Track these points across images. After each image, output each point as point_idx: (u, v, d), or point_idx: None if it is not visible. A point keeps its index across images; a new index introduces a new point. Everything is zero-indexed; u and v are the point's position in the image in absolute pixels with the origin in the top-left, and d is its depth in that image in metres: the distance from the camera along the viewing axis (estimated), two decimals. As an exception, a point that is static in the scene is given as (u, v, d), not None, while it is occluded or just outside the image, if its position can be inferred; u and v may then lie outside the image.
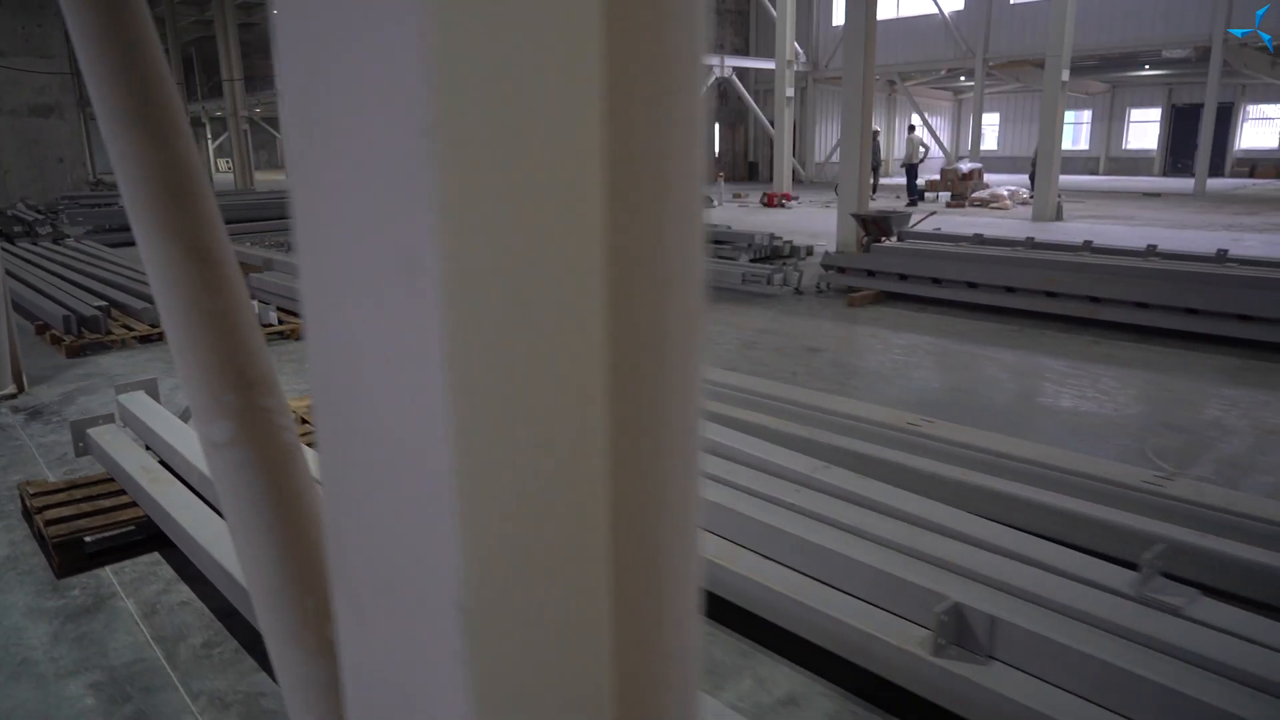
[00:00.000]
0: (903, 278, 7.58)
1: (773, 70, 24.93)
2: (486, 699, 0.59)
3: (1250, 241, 11.02)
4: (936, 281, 7.35)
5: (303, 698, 1.17)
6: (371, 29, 0.49)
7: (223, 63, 23.36)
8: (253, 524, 1.20)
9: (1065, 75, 13.66)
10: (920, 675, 2.01)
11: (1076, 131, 29.61)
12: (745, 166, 27.80)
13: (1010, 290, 6.89)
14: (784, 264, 8.68)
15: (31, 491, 3.18)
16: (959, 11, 22.82)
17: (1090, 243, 7.65)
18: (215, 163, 36.49)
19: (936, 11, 23.02)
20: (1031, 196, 18.07)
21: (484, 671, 0.58)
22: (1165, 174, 26.84)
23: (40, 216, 12.67)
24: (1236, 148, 25.93)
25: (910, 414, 3.51)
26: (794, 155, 26.44)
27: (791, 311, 7.14)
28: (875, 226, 9.46)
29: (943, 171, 19.11)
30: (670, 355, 0.65)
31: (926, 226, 10.11)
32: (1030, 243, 7.96)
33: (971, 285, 7.14)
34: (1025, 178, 18.64)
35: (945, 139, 30.08)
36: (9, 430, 4.39)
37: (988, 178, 20.73)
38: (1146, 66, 23.37)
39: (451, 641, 0.58)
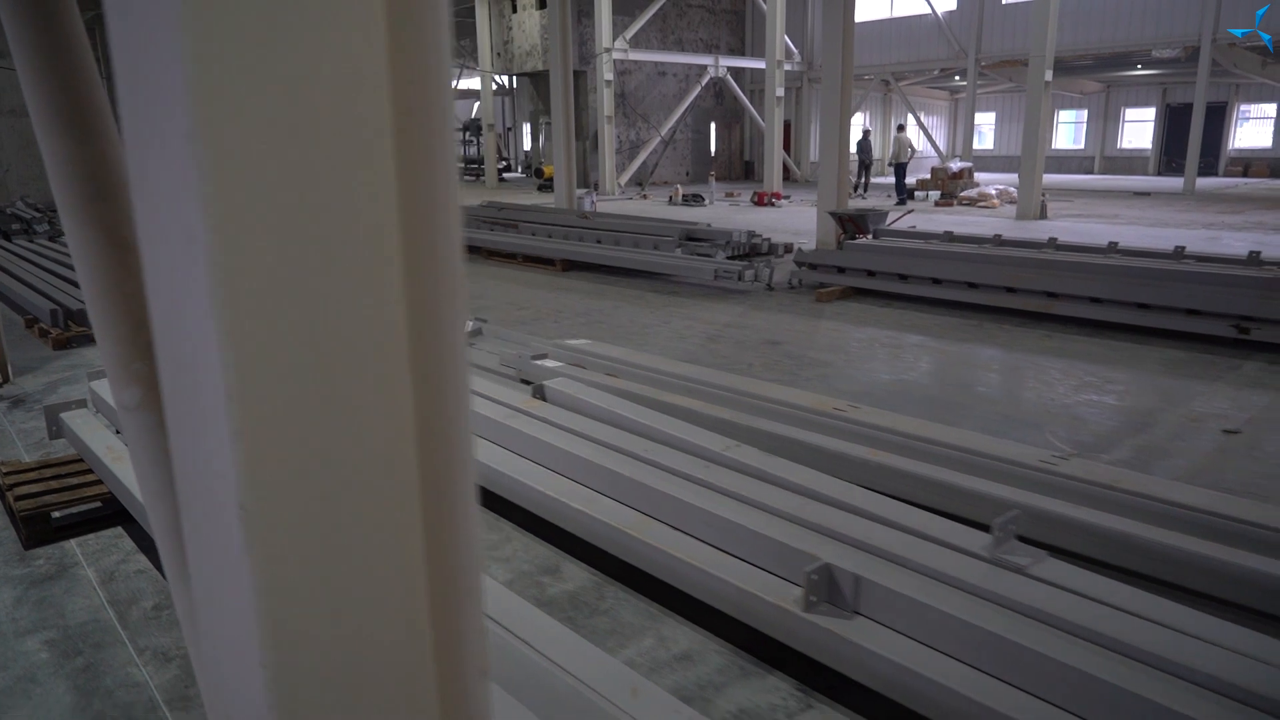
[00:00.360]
0: (870, 274, 7.76)
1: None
2: (266, 591, 0.79)
3: (1227, 239, 11.18)
4: (903, 278, 7.53)
5: (188, 630, 1.36)
6: (154, 43, 0.68)
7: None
8: (156, 482, 1.41)
9: (1048, 76, 13.81)
10: (794, 630, 2.21)
11: (1074, 131, 29.75)
12: (741, 165, 27.96)
13: (972, 286, 7.07)
14: (759, 261, 8.85)
15: (4, 470, 3.39)
16: (951, 11, 22.96)
17: (1055, 240, 7.82)
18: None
19: (929, 11, 23.16)
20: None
21: (264, 565, 0.78)
22: (1160, 173, 26.94)
23: (39, 214, 12.90)
24: (1231, 147, 26.02)
25: (839, 400, 3.70)
26: (788, 154, 26.63)
27: (760, 307, 7.33)
28: (851, 224, 9.64)
29: (933, 170, 19.25)
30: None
31: (903, 225, 10.28)
32: (997, 240, 8.14)
33: (936, 281, 7.32)
34: (1016, 176, 18.78)
35: (942, 138, 30.23)
36: (-9, 417, 4.60)
37: (980, 176, 20.88)
38: (1139, 66, 23.50)
39: (236, 537, 0.77)
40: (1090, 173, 28.38)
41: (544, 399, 3.70)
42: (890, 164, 18.88)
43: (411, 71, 0.73)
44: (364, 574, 0.78)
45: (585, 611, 2.68)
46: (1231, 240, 11.03)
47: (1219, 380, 5.04)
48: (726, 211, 16.49)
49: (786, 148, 27.03)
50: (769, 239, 9.93)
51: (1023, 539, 2.31)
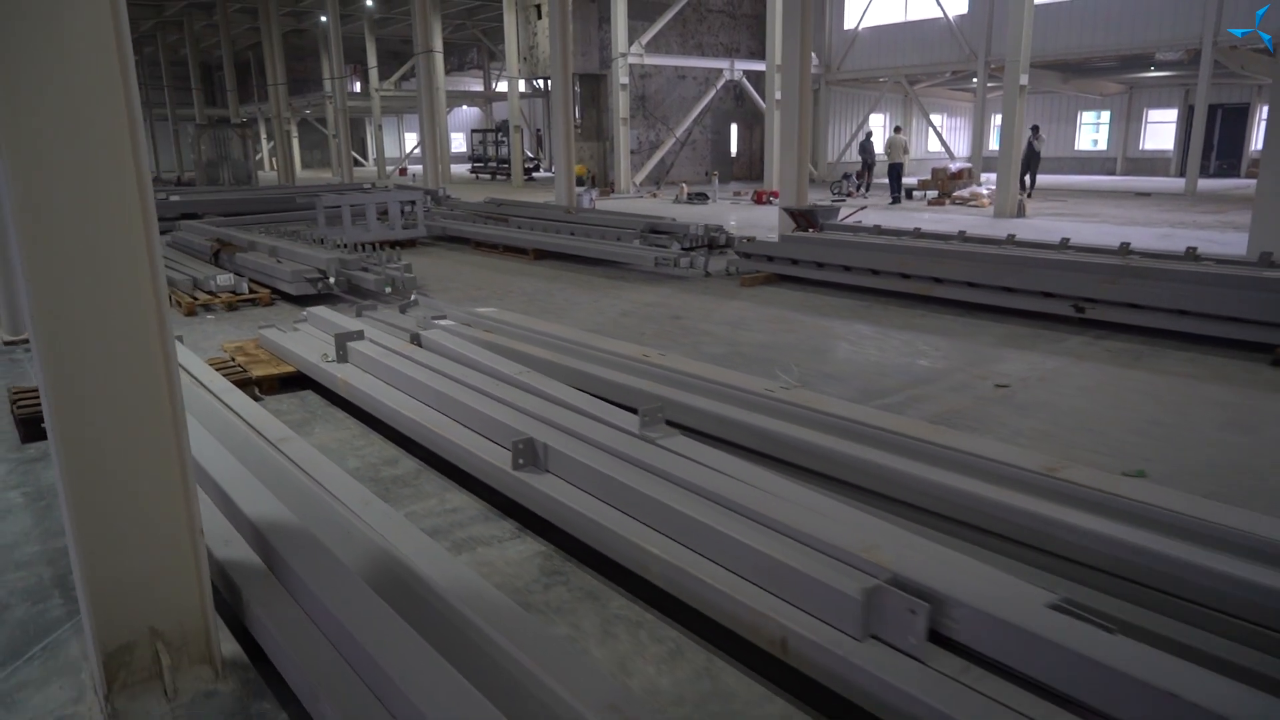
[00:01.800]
0: (794, 262, 8.64)
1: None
2: (59, 401, 1.84)
3: (1178, 236, 11.72)
4: (819, 265, 8.40)
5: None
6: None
7: (268, 68, 25.18)
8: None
9: (1024, 80, 14.41)
10: (506, 483, 3.19)
11: (1100, 133, 29.82)
12: (760, 166, 28.68)
13: (875, 273, 7.92)
14: (714, 252, 9.77)
15: (11, 391, 4.54)
16: (963, 15, 23.44)
17: (964, 233, 8.60)
18: (269, 160, 38.68)
19: (941, 15, 23.67)
20: (1024, 194, 18.74)
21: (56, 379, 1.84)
22: (1183, 174, 26.93)
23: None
24: (1253, 148, 25.94)
25: (654, 351, 4.65)
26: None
27: (686, 290, 8.27)
28: (803, 219, 10.51)
29: (933, 171, 19.85)
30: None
31: (859, 221, 11.09)
32: (916, 233, 8.94)
33: (846, 268, 8.17)
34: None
35: (966, 139, 30.58)
36: (19, 363, 5.79)
37: (989, 176, 21.35)
38: (1152, 68, 23.68)
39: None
40: (1112, 174, 28.49)
41: (419, 345, 4.73)
42: (888, 164, 19.50)
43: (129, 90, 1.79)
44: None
45: (400, 485, 3.70)
46: (1179, 237, 11.57)
47: (1033, 350, 5.85)
48: (723, 209, 17.38)
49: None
50: (727, 233, 10.81)
51: (673, 424, 3.26)
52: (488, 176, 31.27)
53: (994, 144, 28.75)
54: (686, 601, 2.49)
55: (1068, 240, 7.89)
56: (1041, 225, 13.22)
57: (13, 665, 2.44)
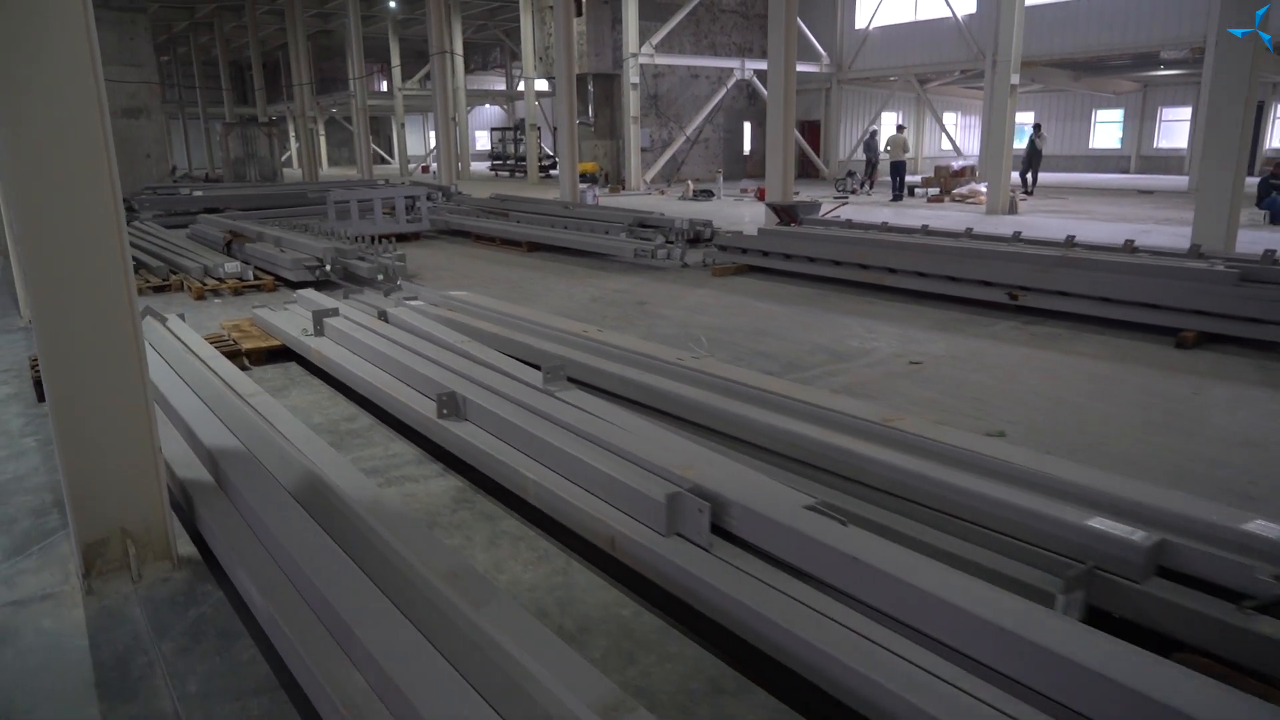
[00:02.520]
0: (765, 254, 9.14)
1: (809, 72, 26.29)
2: (50, 361, 2.46)
3: (1155, 232, 12.04)
4: (787, 257, 8.90)
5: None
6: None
7: (293, 69, 26.05)
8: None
9: (1014, 80, 14.75)
10: (431, 429, 3.77)
11: (1117, 130, 29.84)
12: (773, 163, 29.09)
13: (836, 264, 8.40)
14: (680, 244, 10.31)
15: (32, 358, 5.19)
16: (971, 15, 23.68)
17: (926, 226, 9.06)
18: (296, 158, 39.67)
19: (950, 15, 23.93)
20: (1025, 192, 19.03)
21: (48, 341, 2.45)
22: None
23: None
24: (1268, 146, 25.91)
25: (594, 328, 5.21)
26: (816, 153, 27.72)
27: (660, 279, 8.81)
28: (785, 214, 11.02)
29: (935, 169, 20.18)
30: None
31: (837, 216, 11.55)
32: (884, 227, 9.40)
33: (811, 260, 8.66)
34: (1016, 175, 19.52)
35: (978, 137, 30.73)
36: (42, 338, 6.48)
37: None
38: (1161, 66, 23.76)
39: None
40: (1126, 172, 28.53)
41: (386, 321, 5.33)
42: (889, 162, 19.86)
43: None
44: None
45: (354, 436, 4.29)
46: (1158, 233, 11.89)
47: (961, 333, 6.33)
48: (724, 205, 17.87)
49: (815, 146, 28.13)
50: (712, 227, 11.33)
51: (577, 381, 3.81)
52: (507, 174, 31.97)
53: (1019, 141, 28.89)
54: (553, 516, 3.05)
55: (1019, 234, 8.32)
56: (1028, 221, 13.58)
57: (15, 559, 3.06)
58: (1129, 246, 7.40)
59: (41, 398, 4.88)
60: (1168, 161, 28.06)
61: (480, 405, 3.63)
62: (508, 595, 2.27)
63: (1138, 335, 6.13)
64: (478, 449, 3.47)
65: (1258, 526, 2.34)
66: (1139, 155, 28.79)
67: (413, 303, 5.82)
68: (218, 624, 2.60)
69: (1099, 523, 2.44)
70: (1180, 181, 22.81)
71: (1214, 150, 8.29)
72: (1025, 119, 31.05)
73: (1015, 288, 6.93)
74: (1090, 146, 30.11)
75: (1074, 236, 7.84)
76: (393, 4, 29.40)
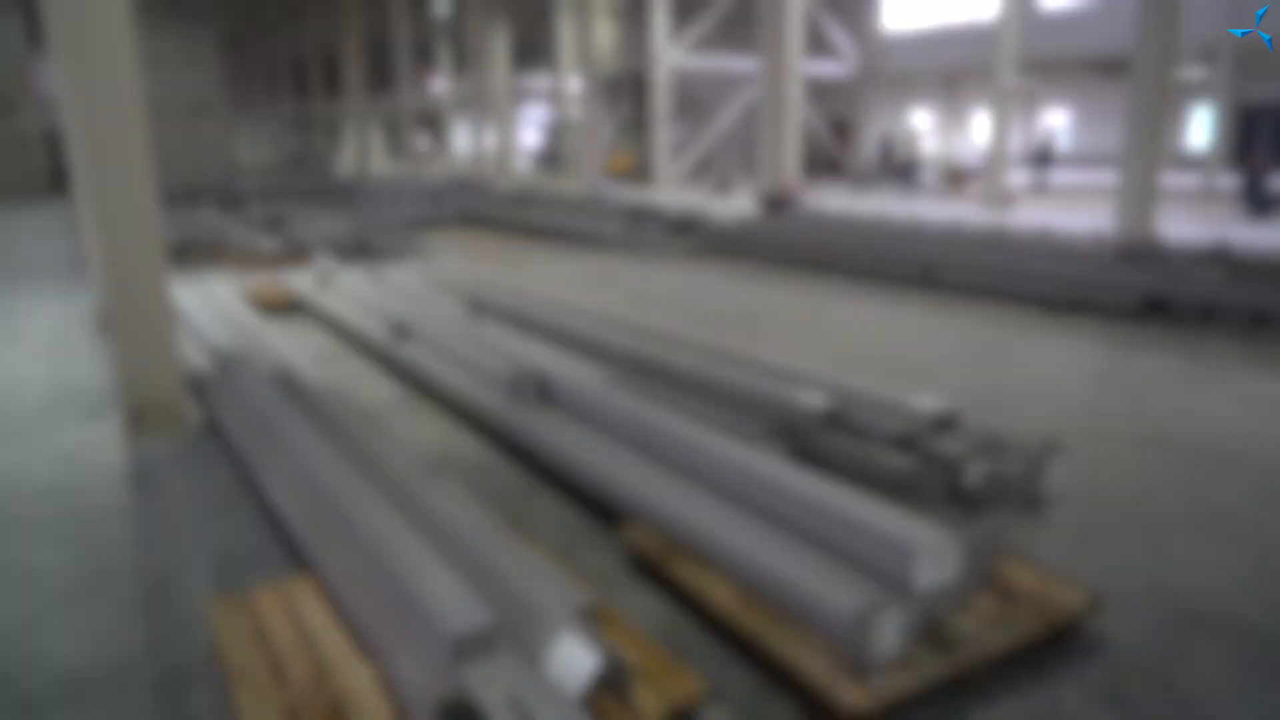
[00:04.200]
0: (737, 240, 10.23)
1: (837, 73, 27.12)
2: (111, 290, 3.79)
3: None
4: (754, 243, 9.98)
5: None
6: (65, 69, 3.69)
7: (348, 71, 27.82)
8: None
9: (1010, 82, 15.50)
10: (385, 352, 5.01)
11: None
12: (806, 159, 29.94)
13: (787, 247, 9.46)
14: (661, 231, 11.43)
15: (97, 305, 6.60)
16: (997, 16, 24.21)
17: (878, 215, 10.04)
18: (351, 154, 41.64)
19: (977, 18, 24.54)
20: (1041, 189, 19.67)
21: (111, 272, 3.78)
22: (1226, 172, 26.93)
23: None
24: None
25: (554, 295, 6.40)
26: (844, 150, 28.49)
27: (637, 260, 9.98)
28: (773, 204, 12.08)
29: (949, 165, 20.89)
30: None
31: (828, 206, 12.54)
32: (847, 217, 10.40)
33: (772, 245, 9.73)
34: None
35: (1015, 136, 31.05)
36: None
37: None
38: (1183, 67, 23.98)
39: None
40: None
41: (382, 283, 6.61)
42: (904, 160, 20.65)
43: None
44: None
45: (333, 361, 5.56)
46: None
47: (868, 302, 7.35)
48: (733, 200, 18.91)
49: (845, 144, 28.89)
50: (704, 218, 12.41)
51: (493, 313, 5.02)
52: (556, 170, 33.40)
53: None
54: (451, 399, 4.26)
55: (959, 223, 9.26)
56: (1014, 214, 14.35)
57: (85, 423, 4.38)
58: (1041, 235, 8.32)
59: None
60: (1197, 162, 28.12)
61: (422, 330, 4.86)
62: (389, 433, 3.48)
63: (1024, 307, 7.07)
64: (417, 363, 4.70)
65: (913, 400, 3.43)
66: (1170, 156, 28.88)
67: (402, 268, 7.10)
68: (211, 457, 3.88)
69: (802, 395, 3.54)
70: (1197, 182, 23.03)
71: (1135, 145, 9.09)
72: (1058, 121, 31.34)
73: (928, 266, 7.92)
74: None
75: (1004, 225, 8.76)
76: (442, 11, 31.01)
